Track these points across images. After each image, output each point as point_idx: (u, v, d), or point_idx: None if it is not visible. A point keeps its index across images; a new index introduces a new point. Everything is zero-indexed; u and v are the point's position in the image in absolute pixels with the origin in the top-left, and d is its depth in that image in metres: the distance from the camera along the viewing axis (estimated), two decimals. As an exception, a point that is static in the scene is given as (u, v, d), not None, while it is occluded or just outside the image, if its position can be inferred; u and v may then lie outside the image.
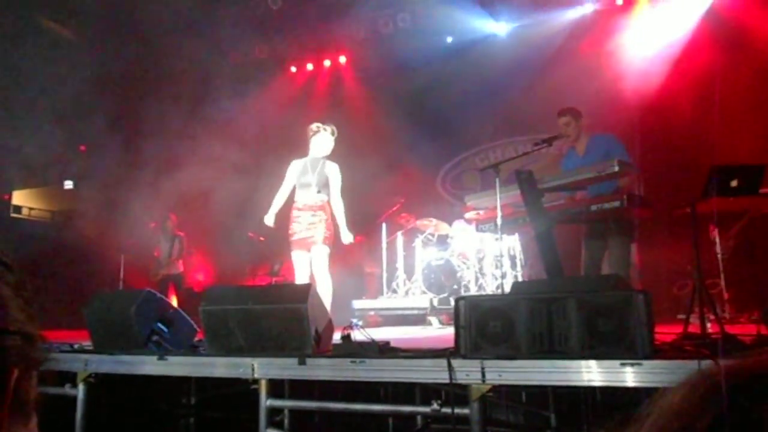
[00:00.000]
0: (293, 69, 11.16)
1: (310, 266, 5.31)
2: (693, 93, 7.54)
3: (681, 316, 4.75)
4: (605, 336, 2.81)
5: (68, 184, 10.97)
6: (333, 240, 5.39)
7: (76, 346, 4.24)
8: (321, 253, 5.26)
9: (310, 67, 11.06)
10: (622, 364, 2.70)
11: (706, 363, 2.51)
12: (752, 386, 0.45)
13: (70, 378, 3.87)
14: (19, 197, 11.33)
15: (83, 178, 9.87)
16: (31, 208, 11.39)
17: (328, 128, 5.48)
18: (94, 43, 8.59)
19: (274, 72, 11.06)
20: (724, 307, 6.07)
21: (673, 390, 0.49)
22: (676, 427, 0.46)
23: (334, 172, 5.46)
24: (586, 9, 9.01)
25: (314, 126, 5.50)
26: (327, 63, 10.92)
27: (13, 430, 0.61)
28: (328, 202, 5.45)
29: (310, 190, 5.38)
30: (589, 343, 2.83)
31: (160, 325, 4.03)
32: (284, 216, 5.57)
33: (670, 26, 8.43)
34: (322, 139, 5.45)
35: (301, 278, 5.30)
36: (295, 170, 5.51)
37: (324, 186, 5.40)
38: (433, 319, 6.97)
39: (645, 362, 2.67)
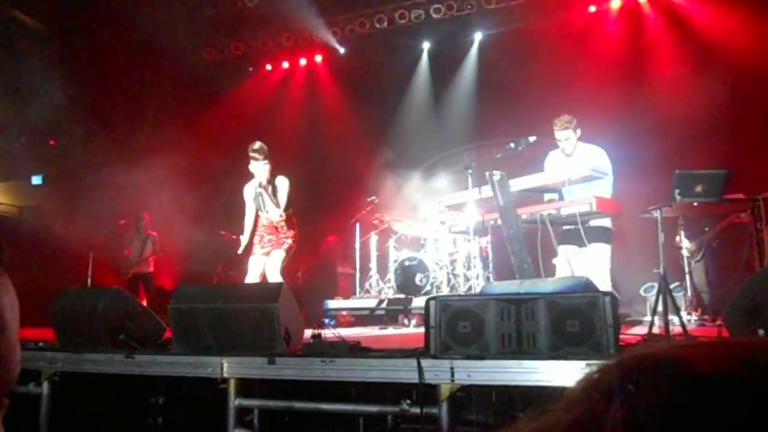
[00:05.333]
0: (269, 67, 11.10)
1: (264, 270, 5.48)
2: (666, 98, 7.70)
3: (647, 318, 4.85)
4: (572, 337, 2.86)
5: (36, 180, 10.75)
6: (290, 248, 5.52)
7: (41, 344, 4.16)
8: (275, 258, 5.40)
9: (285, 65, 11.00)
10: (588, 365, 2.74)
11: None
12: (638, 372, 0.48)
13: (34, 376, 3.79)
14: (-15, 192, 11.06)
15: (52, 174, 9.68)
16: (-3, 203, 11.14)
17: (258, 154, 5.43)
18: (64, 36, 8.44)
19: (249, 70, 11.00)
20: (688, 310, 6.22)
21: (578, 380, 0.52)
22: (577, 413, 0.48)
23: (281, 187, 5.54)
24: (563, 13, 9.13)
25: (251, 155, 5.47)
26: (303, 62, 10.88)
27: None
28: (287, 215, 5.56)
29: (266, 214, 5.54)
30: (556, 344, 2.88)
31: (127, 323, 3.97)
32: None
33: (642, 34, 8.61)
34: (256, 167, 5.46)
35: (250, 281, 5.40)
36: (249, 195, 5.62)
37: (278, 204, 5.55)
38: (407, 320, 7.00)
39: (610, 363, 2.72)
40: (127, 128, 9.24)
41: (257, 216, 5.62)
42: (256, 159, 5.43)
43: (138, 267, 8.66)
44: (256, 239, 5.55)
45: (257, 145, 5.46)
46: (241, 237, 5.63)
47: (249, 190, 5.63)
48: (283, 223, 5.50)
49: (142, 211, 8.83)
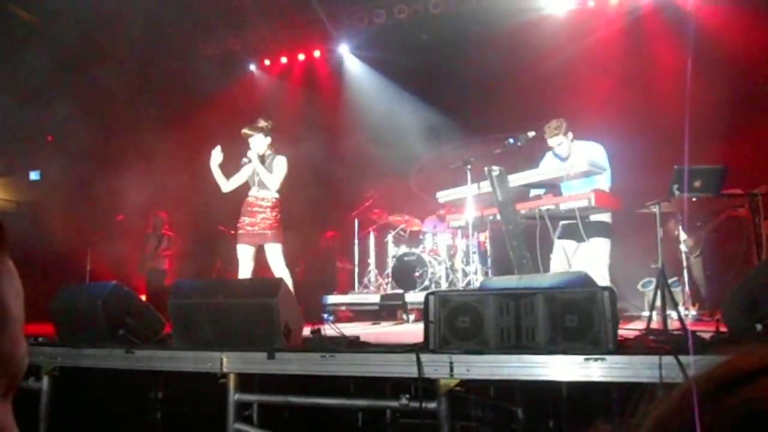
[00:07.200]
0: (267, 62, 11.07)
1: (254, 261, 5.35)
2: (663, 93, 7.70)
3: (645, 313, 4.87)
4: (571, 331, 2.87)
5: (34, 175, 10.72)
6: (282, 236, 5.37)
7: (40, 339, 4.16)
8: (274, 250, 5.26)
9: (284, 60, 10.97)
10: (586, 359, 2.76)
11: (668, 358, 2.59)
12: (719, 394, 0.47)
13: (34, 371, 3.80)
14: (-18, 187, 11.03)
15: (49, 169, 9.66)
16: (-6, 199, 11.11)
17: (250, 131, 5.36)
18: (60, 30, 8.39)
19: (247, 65, 10.98)
20: (686, 305, 6.24)
21: (663, 401, 0.51)
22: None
23: (277, 163, 5.39)
24: (561, 9, 9.12)
25: (243, 132, 5.40)
26: (301, 57, 10.85)
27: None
28: (278, 198, 5.42)
29: (258, 190, 5.39)
30: (555, 339, 2.89)
31: (127, 318, 3.98)
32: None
33: (640, 28, 8.60)
34: (251, 142, 5.37)
35: (244, 273, 5.27)
36: (246, 170, 5.49)
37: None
38: (406, 315, 7.01)
39: (608, 357, 2.73)
40: (125, 123, 9.22)
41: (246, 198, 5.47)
42: (249, 135, 5.34)
43: (153, 263, 8.77)
44: (241, 222, 5.36)
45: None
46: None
47: (246, 167, 5.48)
48: (277, 206, 5.36)
49: (158, 210, 8.89)
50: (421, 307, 4.16)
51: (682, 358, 2.54)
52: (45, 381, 3.75)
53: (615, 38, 8.64)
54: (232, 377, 3.43)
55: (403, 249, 7.64)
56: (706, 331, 3.53)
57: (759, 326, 3.06)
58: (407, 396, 3.13)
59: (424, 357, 3.01)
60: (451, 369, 2.97)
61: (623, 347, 2.95)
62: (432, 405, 3.01)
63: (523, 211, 4.70)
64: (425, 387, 3.03)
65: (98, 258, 8.45)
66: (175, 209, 9.01)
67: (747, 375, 0.47)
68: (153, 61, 9.26)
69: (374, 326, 6.58)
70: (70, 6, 7.99)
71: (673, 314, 4.06)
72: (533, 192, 5.13)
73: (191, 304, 3.72)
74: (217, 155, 5.36)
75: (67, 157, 8.80)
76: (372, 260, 8.06)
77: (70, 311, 4.09)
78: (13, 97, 7.82)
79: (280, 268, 5.24)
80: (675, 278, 6.22)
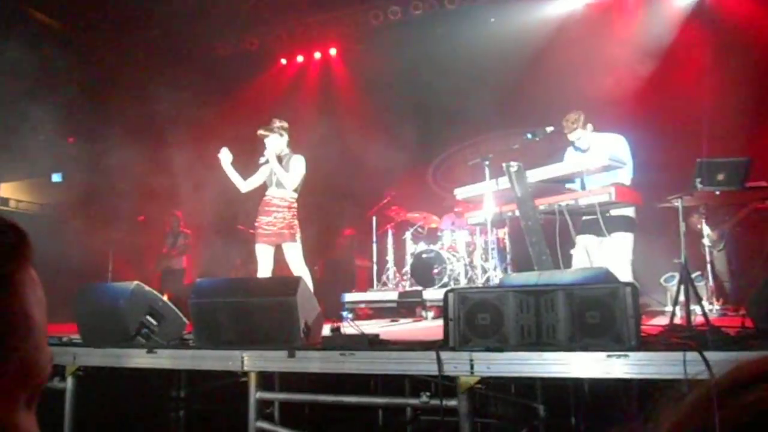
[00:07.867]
0: (283, 61, 11.11)
1: (273, 260, 5.34)
2: (685, 86, 7.59)
3: (668, 308, 4.80)
4: (593, 328, 2.84)
5: (56, 177, 10.88)
6: (299, 235, 5.35)
7: (64, 339, 4.22)
8: (292, 250, 5.27)
9: (300, 59, 11.00)
10: (609, 356, 2.72)
11: (692, 354, 2.55)
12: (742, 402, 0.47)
13: (58, 371, 3.85)
14: (6, 189, 11.22)
15: (71, 171, 9.79)
16: (18, 201, 11.29)
17: (264, 131, 5.37)
18: (80, 34, 8.50)
19: (264, 64, 11.02)
20: (710, 300, 6.14)
21: (680, 406, 0.52)
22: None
23: (293, 164, 5.39)
24: (579, 1, 9.02)
25: (258, 133, 5.41)
26: (317, 55, 10.87)
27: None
28: (295, 198, 5.41)
29: (276, 190, 5.38)
30: (576, 336, 2.86)
31: (149, 318, 4.01)
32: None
33: (662, 20, 8.47)
34: (266, 143, 5.37)
35: (263, 272, 5.27)
36: (263, 171, 5.49)
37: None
38: (425, 312, 7.00)
39: (631, 354, 2.70)
40: (144, 124, 9.30)
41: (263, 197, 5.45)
42: (264, 136, 5.35)
43: (169, 262, 8.88)
44: (258, 221, 5.34)
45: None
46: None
47: (264, 167, 5.48)
48: (294, 205, 5.36)
49: (174, 209, 9.02)
50: (440, 304, 4.15)
51: (707, 354, 2.50)
52: (69, 381, 3.80)
53: (636, 30, 8.52)
54: (252, 376, 3.44)
55: (422, 246, 7.62)
56: (731, 327, 3.47)
57: (786, 321, 3.00)
58: (427, 394, 3.13)
59: (444, 354, 2.99)
60: (472, 366, 2.96)
61: (646, 343, 2.90)
62: (452, 402, 3.00)
63: (542, 207, 4.65)
64: (445, 385, 3.02)
65: (120, 258, 8.56)
66: (195, 209, 9.09)
67: (749, 381, 0.48)
68: (170, 62, 9.34)
69: (393, 324, 6.57)
70: (90, 11, 8.09)
71: (697, 309, 4.00)
72: (567, 186, 5.07)
73: (212, 304, 3.75)
74: (225, 156, 5.36)
75: (89, 158, 8.92)
76: (390, 258, 8.06)
77: (93, 311, 4.14)
78: (35, 101, 7.93)
79: (299, 267, 5.25)
80: (698, 273, 6.13)
